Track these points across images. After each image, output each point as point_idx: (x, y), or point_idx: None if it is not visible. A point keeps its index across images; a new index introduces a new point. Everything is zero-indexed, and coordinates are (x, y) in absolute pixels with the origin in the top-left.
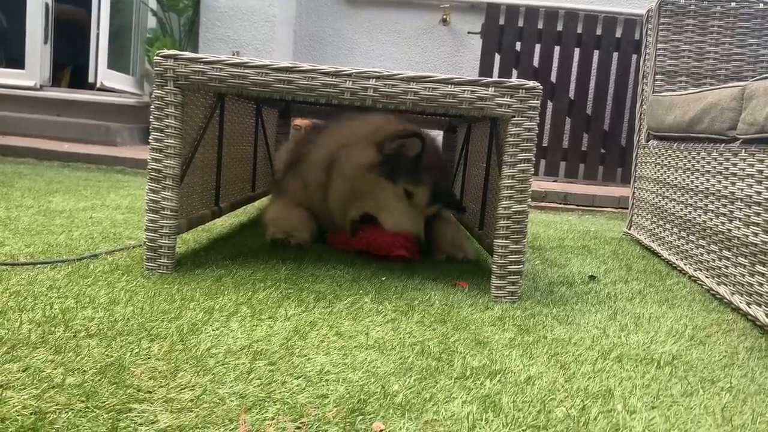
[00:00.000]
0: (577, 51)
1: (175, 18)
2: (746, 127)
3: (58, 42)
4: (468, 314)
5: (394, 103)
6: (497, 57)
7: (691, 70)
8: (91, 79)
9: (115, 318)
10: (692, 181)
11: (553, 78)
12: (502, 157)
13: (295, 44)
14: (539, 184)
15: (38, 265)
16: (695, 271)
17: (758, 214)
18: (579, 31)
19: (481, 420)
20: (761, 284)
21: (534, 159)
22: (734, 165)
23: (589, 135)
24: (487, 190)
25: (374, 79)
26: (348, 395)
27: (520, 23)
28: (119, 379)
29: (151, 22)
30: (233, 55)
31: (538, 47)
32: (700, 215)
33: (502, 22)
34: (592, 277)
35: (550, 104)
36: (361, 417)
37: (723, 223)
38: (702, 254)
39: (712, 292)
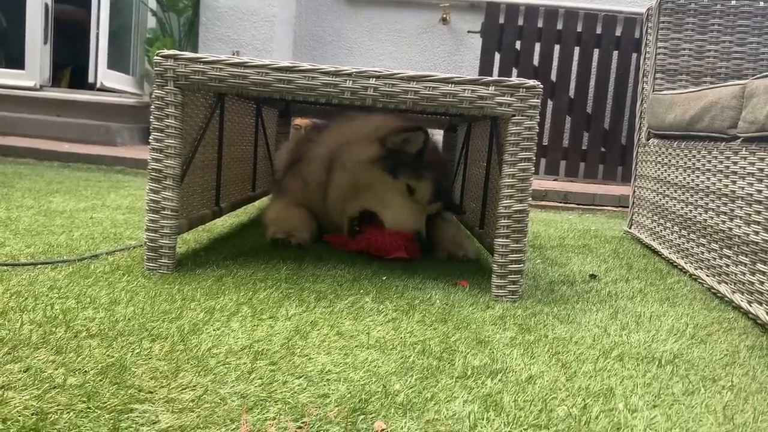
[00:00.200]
0: (577, 50)
1: (174, 18)
2: (747, 126)
3: (58, 42)
4: (469, 313)
5: (394, 103)
6: (497, 56)
7: (692, 68)
8: (91, 80)
9: (116, 318)
10: (693, 180)
11: (553, 77)
12: (503, 156)
13: (295, 44)
14: (540, 183)
15: (39, 266)
16: (696, 269)
17: (759, 213)
18: (579, 29)
19: (483, 419)
20: (762, 282)
21: (534, 158)
22: (735, 163)
23: (589, 134)
24: (488, 189)
25: (374, 79)
26: (349, 395)
27: (520, 22)
28: (120, 380)
29: (151, 22)
30: (233, 54)
31: (538, 46)
32: (700, 214)
33: (501, 21)
34: (592, 276)
35: (550, 103)
36: (362, 416)
37: (723, 222)
38: (703, 253)
39: (712, 290)
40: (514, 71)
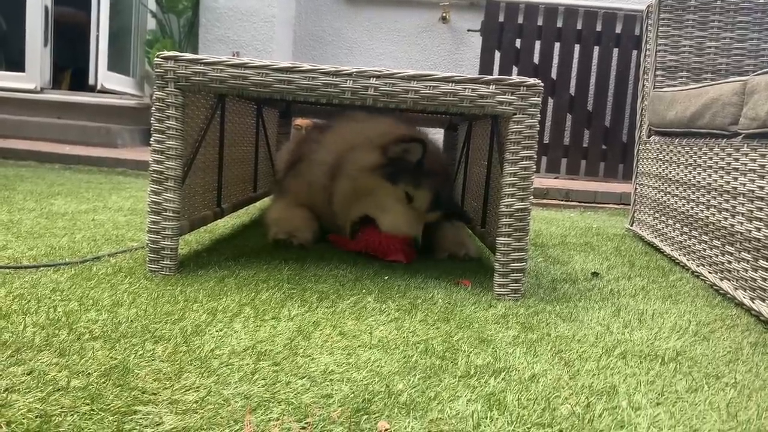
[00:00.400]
0: (577, 47)
1: (174, 19)
2: (748, 122)
3: (58, 44)
4: (471, 312)
5: (394, 102)
6: (497, 54)
7: (692, 65)
8: (91, 82)
9: (118, 320)
10: (694, 177)
11: (554, 75)
12: (504, 155)
13: (295, 44)
14: (541, 181)
15: (41, 268)
16: (698, 266)
17: (761, 209)
18: (579, 27)
19: (486, 418)
20: (765, 279)
21: (535, 156)
22: (736, 160)
23: (590, 131)
24: (489, 187)
25: (375, 78)
26: (352, 395)
27: (520, 20)
28: (124, 382)
29: (151, 23)
30: (233, 55)
31: (538, 44)
32: (702, 211)
33: (501, 19)
34: (595, 274)
35: (550, 101)
36: (365, 416)
37: (725, 219)
38: (705, 250)
39: (715, 287)
40: (515, 69)
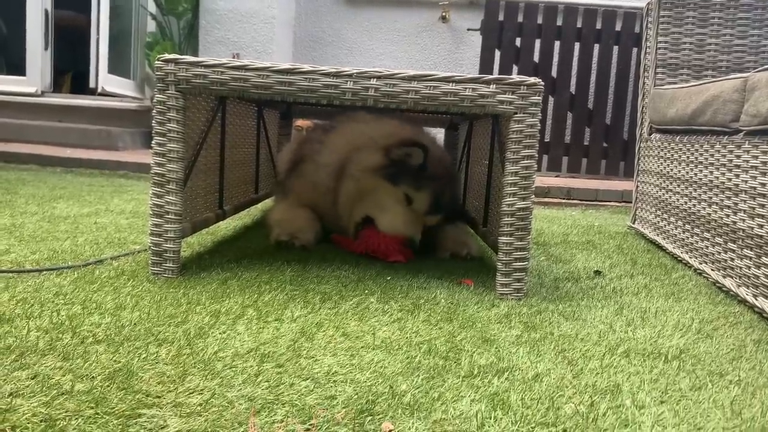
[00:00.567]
0: (577, 45)
1: (174, 21)
2: (749, 119)
3: (59, 48)
4: (474, 312)
5: (395, 103)
6: (497, 53)
7: (693, 62)
8: (92, 85)
9: (121, 323)
10: (696, 174)
11: (554, 73)
12: (505, 154)
13: (295, 45)
14: (542, 180)
15: (44, 272)
16: (701, 264)
17: (763, 206)
18: (579, 25)
19: (490, 418)
20: (767, 276)
21: (537, 155)
22: (738, 157)
23: (590, 129)
24: (490, 187)
25: (375, 79)
26: (356, 396)
27: (520, 19)
28: (128, 385)
29: (151, 26)
30: (233, 57)
31: (538, 43)
32: (704, 208)
33: (501, 18)
34: (597, 273)
35: (551, 99)
36: (370, 417)
37: (727, 216)
38: (707, 247)
39: (718, 284)
40: (515, 68)
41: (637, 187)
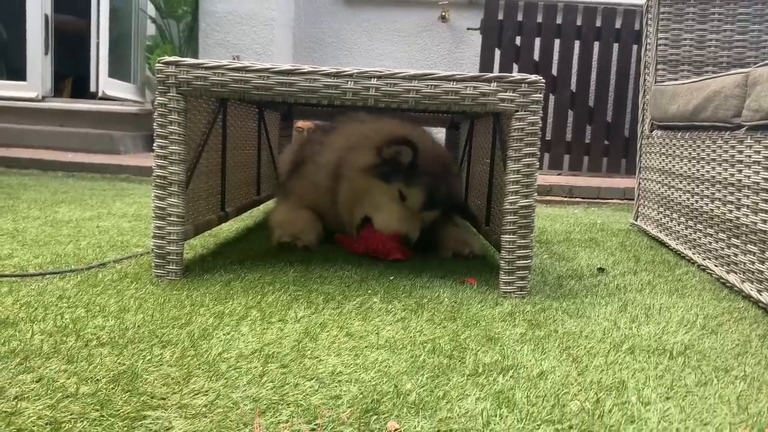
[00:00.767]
0: (577, 43)
1: (174, 24)
2: (751, 114)
3: (59, 52)
4: (478, 311)
5: (396, 102)
6: (497, 52)
7: (693, 58)
8: (92, 89)
9: (125, 326)
10: (698, 170)
11: (554, 71)
12: (507, 153)
13: (295, 47)
14: (544, 178)
15: (47, 276)
16: (704, 260)
17: (766, 201)
18: (578, 23)
19: (496, 416)
20: None
21: (538, 153)
22: (740, 152)
23: (592, 127)
24: (492, 185)
25: (376, 79)
26: (361, 395)
27: (519, 17)
28: (132, 387)
29: (151, 29)
30: (233, 59)
31: (538, 41)
32: (707, 204)
33: (501, 17)
34: (600, 270)
35: (552, 98)
36: (375, 417)
37: (731, 211)
38: (710, 243)
39: (722, 280)
40: (515, 67)
41: (639, 184)
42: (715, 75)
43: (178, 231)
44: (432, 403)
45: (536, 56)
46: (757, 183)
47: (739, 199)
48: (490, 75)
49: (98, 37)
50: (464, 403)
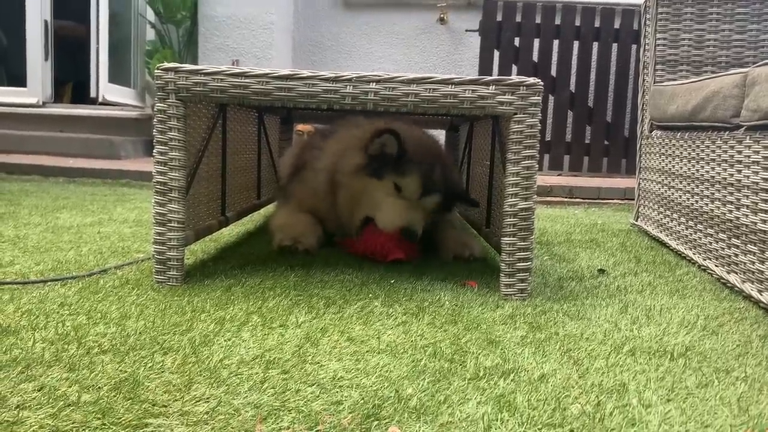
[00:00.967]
0: (576, 44)
1: (173, 29)
2: (750, 114)
3: (59, 58)
4: (479, 314)
5: (395, 106)
6: (496, 54)
7: (692, 58)
8: (92, 94)
9: (127, 333)
10: (698, 170)
11: (554, 72)
12: (506, 155)
13: (294, 50)
14: (544, 179)
15: (48, 283)
16: (705, 260)
17: (765, 201)
18: (577, 24)
19: (497, 420)
20: None
21: (538, 155)
22: (739, 152)
23: (591, 127)
24: (492, 187)
25: (374, 83)
26: (362, 401)
27: (518, 19)
28: (134, 395)
29: (150, 34)
30: (233, 63)
31: (536, 42)
32: (707, 204)
33: (499, 18)
34: (601, 271)
35: (551, 98)
36: (376, 422)
37: (730, 211)
38: (711, 243)
39: (722, 280)
40: (514, 68)
41: (639, 184)
42: (713, 75)
43: (179, 237)
44: (433, 407)
45: (535, 57)
46: (756, 183)
47: (738, 199)
48: (489, 78)
49: (98, 43)
50: (465, 407)
